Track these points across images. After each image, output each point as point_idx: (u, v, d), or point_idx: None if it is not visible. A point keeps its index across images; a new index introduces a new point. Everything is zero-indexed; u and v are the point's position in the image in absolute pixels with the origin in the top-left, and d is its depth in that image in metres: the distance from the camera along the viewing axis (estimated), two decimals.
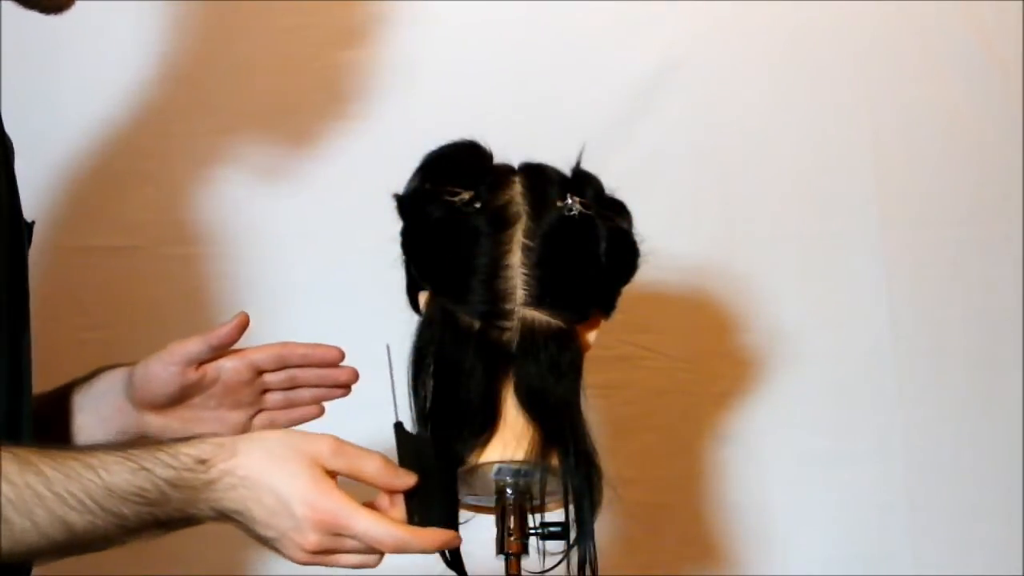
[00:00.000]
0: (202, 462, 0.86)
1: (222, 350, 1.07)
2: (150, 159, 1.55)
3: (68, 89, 1.53)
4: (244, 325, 1.06)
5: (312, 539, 0.88)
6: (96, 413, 1.08)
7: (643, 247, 1.08)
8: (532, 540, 1.04)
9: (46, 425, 1.05)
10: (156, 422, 1.07)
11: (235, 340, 1.06)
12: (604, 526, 1.04)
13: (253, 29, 1.59)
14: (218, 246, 1.57)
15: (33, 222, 1.03)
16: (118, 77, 1.54)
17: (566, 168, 1.08)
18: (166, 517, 0.86)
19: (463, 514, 1.05)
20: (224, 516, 0.88)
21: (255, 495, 0.87)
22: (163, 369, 1.05)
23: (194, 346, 1.05)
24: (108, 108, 1.53)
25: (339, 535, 0.89)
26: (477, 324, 1.02)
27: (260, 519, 0.88)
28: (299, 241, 1.60)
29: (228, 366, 1.07)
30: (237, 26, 1.58)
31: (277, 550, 0.90)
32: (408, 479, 0.95)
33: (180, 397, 1.07)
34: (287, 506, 0.87)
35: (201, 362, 1.06)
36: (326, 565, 0.91)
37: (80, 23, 1.52)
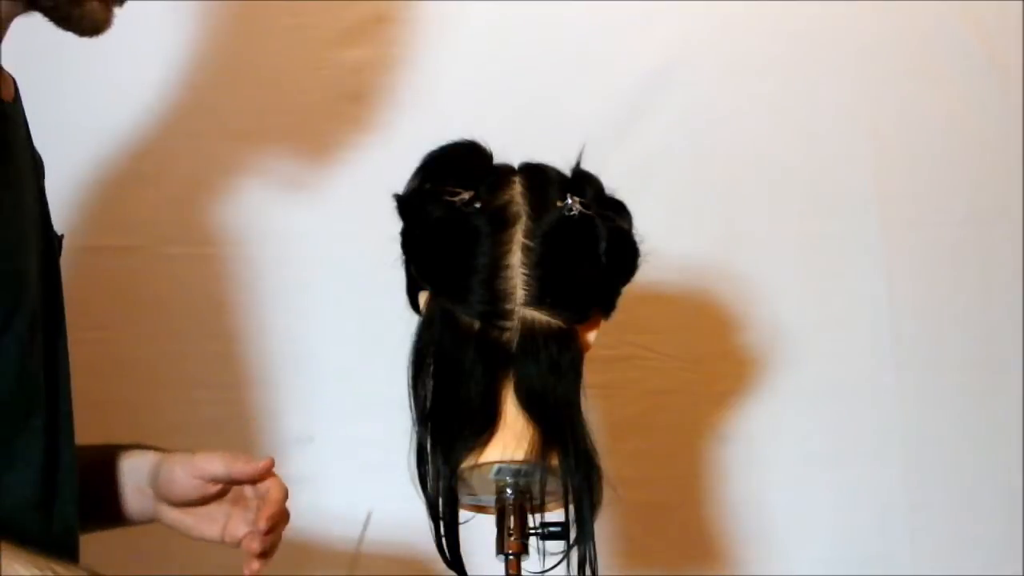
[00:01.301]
0: None
1: (241, 482, 1.07)
2: (152, 159, 1.55)
3: (70, 90, 1.53)
4: (269, 469, 1.05)
5: None
6: (131, 483, 1.10)
7: (643, 247, 1.08)
8: (532, 540, 1.04)
9: (95, 473, 1.08)
10: (171, 515, 1.09)
11: (257, 481, 1.06)
12: (604, 526, 1.04)
13: (254, 30, 1.59)
14: (220, 246, 1.57)
15: (62, 235, 1.04)
16: (120, 78, 1.54)
17: (566, 168, 1.08)
18: None
19: (463, 514, 1.05)
20: None
21: None
22: (186, 479, 1.06)
23: (218, 470, 1.05)
24: (110, 109, 1.53)
25: None
26: (477, 324, 1.02)
27: None
28: (301, 241, 1.59)
29: (249, 490, 1.08)
30: (239, 27, 1.57)
31: None
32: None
33: (198, 503, 1.08)
34: None
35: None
36: None
37: None
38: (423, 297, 1.06)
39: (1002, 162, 1.74)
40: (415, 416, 1.05)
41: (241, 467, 1.05)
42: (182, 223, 1.58)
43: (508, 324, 1.01)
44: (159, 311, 1.57)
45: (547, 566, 1.03)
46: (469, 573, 1.05)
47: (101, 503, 1.09)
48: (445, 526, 1.04)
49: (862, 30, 1.71)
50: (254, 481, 1.06)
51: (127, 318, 1.56)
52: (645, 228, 1.09)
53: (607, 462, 1.04)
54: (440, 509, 1.03)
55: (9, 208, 0.92)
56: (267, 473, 1.06)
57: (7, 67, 0.96)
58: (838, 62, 1.71)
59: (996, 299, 1.73)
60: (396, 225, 1.07)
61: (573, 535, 1.02)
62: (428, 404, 1.04)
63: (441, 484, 1.03)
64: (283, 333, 1.57)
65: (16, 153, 0.95)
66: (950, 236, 1.72)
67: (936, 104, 1.73)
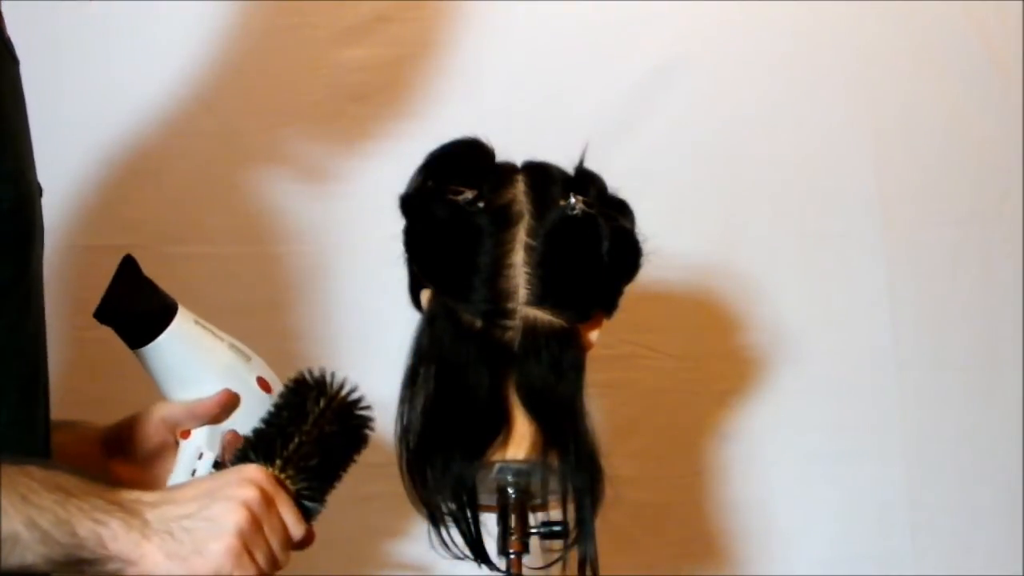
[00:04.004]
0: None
1: (204, 421, 1.04)
2: (152, 159, 1.55)
3: (69, 89, 1.53)
4: (227, 402, 1.02)
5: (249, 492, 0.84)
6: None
7: (645, 246, 1.08)
8: (533, 539, 1.04)
9: None
10: (125, 473, 1.05)
11: (217, 416, 1.03)
12: (604, 525, 1.04)
13: (255, 30, 1.59)
14: (219, 246, 1.57)
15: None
16: (120, 77, 1.54)
17: (569, 167, 1.08)
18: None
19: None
20: None
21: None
22: (147, 424, 1.04)
23: (179, 413, 1.03)
24: (110, 108, 1.53)
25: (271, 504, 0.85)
26: (479, 323, 1.02)
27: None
28: (299, 241, 1.59)
29: None
30: (240, 27, 1.57)
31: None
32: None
33: (154, 453, 1.05)
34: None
35: (184, 429, 1.04)
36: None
37: (83, 22, 1.54)
38: (425, 295, 1.06)
39: (1002, 162, 1.74)
40: (410, 415, 1.05)
41: (203, 404, 1.02)
42: (182, 223, 1.57)
43: (510, 323, 1.01)
44: None
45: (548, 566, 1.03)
46: (469, 573, 1.05)
47: None
48: (464, 520, 1.03)
49: (862, 30, 1.71)
50: (216, 418, 1.03)
51: None
52: (647, 227, 1.09)
53: (607, 461, 1.04)
54: (446, 505, 1.03)
55: (26, 156, 0.93)
56: (228, 406, 1.02)
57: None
58: (838, 62, 1.71)
59: (996, 299, 1.73)
60: (399, 223, 1.07)
61: (574, 534, 1.02)
62: (429, 403, 1.04)
63: (452, 479, 1.02)
64: (283, 332, 1.57)
65: (24, 99, 0.95)
66: (950, 236, 1.72)
67: (936, 104, 1.73)
